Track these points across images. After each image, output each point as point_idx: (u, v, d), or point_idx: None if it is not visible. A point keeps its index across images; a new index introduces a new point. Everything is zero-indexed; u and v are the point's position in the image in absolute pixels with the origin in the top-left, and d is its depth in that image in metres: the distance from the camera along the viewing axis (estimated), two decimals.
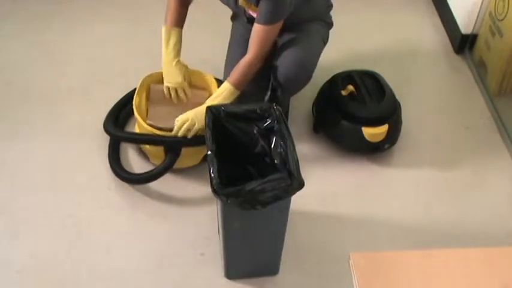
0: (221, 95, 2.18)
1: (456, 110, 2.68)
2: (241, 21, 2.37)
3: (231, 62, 2.33)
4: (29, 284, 2.02)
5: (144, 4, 3.09)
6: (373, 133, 2.30)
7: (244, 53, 2.20)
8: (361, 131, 2.29)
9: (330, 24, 2.40)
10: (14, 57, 2.81)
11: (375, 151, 2.38)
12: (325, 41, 2.38)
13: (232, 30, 2.47)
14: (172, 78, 2.30)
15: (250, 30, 2.17)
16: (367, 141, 2.31)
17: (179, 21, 2.30)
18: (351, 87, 2.34)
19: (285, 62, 2.21)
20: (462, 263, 1.42)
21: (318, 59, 2.31)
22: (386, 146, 2.36)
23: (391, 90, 2.40)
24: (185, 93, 2.33)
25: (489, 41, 2.70)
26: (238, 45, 2.37)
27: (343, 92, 2.34)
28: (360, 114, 2.30)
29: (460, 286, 1.38)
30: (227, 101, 2.17)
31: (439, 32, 3.03)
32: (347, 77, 2.40)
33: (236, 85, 2.17)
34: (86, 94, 2.64)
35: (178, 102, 2.37)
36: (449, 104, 2.72)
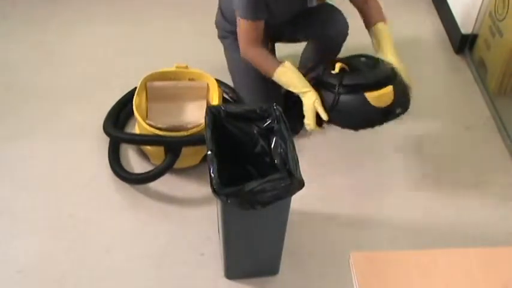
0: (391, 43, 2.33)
1: (456, 110, 2.68)
2: None
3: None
4: (29, 284, 2.02)
5: (144, 4, 3.09)
6: (378, 96, 2.13)
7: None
8: (365, 98, 2.13)
9: None
10: (14, 57, 2.81)
11: (388, 118, 2.20)
12: None
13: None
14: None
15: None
16: (375, 107, 2.14)
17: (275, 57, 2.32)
18: (340, 64, 2.20)
19: (334, 25, 2.39)
20: (462, 263, 1.42)
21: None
22: (398, 110, 2.19)
23: (383, 60, 2.27)
24: None
25: (489, 41, 2.70)
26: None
27: (333, 71, 2.19)
28: (358, 81, 2.15)
29: (460, 286, 1.38)
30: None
31: (439, 32, 3.03)
32: (331, 62, 2.25)
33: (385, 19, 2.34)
34: (86, 94, 2.64)
35: (177, 98, 2.37)
36: (449, 104, 2.72)
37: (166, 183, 2.29)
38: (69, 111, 2.56)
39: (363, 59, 2.26)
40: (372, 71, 2.19)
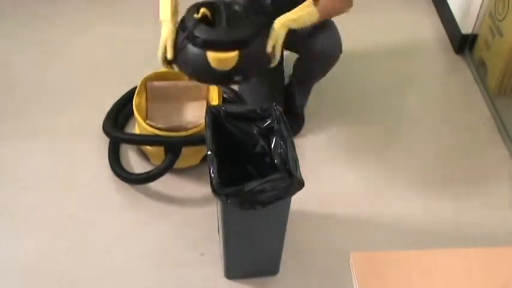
0: (303, 10, 2.08)
1: (456, 110, 2.68)
2: None
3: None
4: (29, 283, 2.02)
5: (145, 4, 3.09)
6: (218, 58, 2.01)
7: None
8: (205, 56, 2.02)
9: None
10: (14, 57, 2.81)
11: (225, 82, 2.15)
12: None
13: None
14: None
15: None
16: (213, 68, 2.03)
17: None
18: (204, 10, 2.07)
19: (317, 46, 2.21)
20: (462, 263, 1.42)
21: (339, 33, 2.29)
22: (237, 77, 2.07)
23: (255, 20, 2.12)
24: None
25: (489, 41, 2.70)
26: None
27: (196, 15, 2.06)
28: (204, 36, 2.02)
29: (460, 286, 1.38)
30: (303, 20, 2.08)
31: (439, 32, 3.03)
32: (208, 3, 2.12)
33: (320, 11, 2.09)
34: (86, 94, 2.64)
35: (177, 98, 2.37)
36: (449, 104, 2.72)
37: (166, 183, 2.29)
38: (69, 111, 2.56)
39: (236, 7, 2.12)
40: (229, 29, 2.05)
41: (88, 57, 2.82)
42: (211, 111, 1.92)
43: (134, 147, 2.42)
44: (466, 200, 2.31)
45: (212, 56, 2.01)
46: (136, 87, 2.38)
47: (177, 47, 2.07)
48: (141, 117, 2.27)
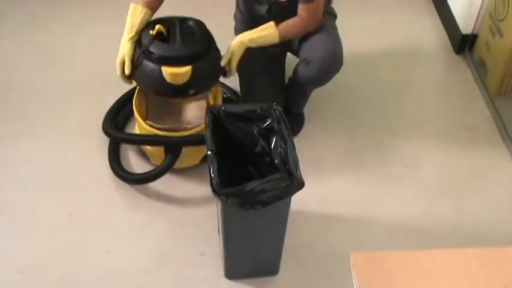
0: (263, 31, 2.18)
1: (456, 110, 2.68)
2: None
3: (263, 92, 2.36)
4: (29, 284, 2.02)
5: None
6: (172, 73, 2.12)
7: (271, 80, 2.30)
8: (160, 71, 2.12)
9: (335, 16, 2.41)
10: (14, 58, 2.81)
11: (180, 95, 2.22)
12: (335, 17, 2.41)
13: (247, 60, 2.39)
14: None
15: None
16: (168, 82, 2.13)
17: (155, 2, 2.25)
18: (159, 27, 2.18)
19: (318, 55, 2.22)
20: (462, 263, 1.42)
21: (341, 41, 2.31)
22: (191, 91, 2.18)
23: (208, 36, 2.24)
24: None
25: (489, 41, 2.70)
26: (263, 74, 2.39)
27: (151, 32, 2.17)
28: (159, 53, 2.13)
29: (460, 286, 1.38)
30: (263, 40, 2.18)
31: (439, 32, 3.03)
32: (164, 20, 2.24)
33: (280, 34, 2.18)
34: (86, 94, 2.64)
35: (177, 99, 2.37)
36: (449, 104, 2.72)
37: (166, 183, 2.29)
38: (69, 111, 2.56)
39: (191, 22, 2.24)
40: (178, 45, 2.16)
41: (88, 57, 2.82)
42: (211, 111, 1.92)
43: (134, 147, 2.42)
44: (466, 200, 2.31)
45: (166, 71, 2.12)
46: (136, 87, 2.38)
47: (135, 63, 2.19)
48: (141, 117, 2.27)
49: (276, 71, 2.46)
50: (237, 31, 2.41)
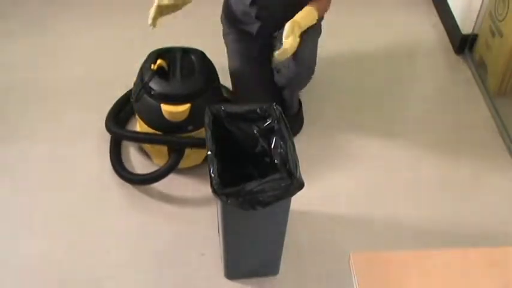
0: (307, 16, 2.17)
1: (456, 110, 2.68)
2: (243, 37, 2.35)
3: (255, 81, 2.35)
4: (28, 284, 2.02)
5: (145, 6, 3.08)
6: (171, 111, 2.15)
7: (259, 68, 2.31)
8: (159, 108, 2.16)
9: (319, 33, 2.39)
10: (14, 58, 2.81)
11: (178, 131, 2.23)
12: (319, 32, 2.38)
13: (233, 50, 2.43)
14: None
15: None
16: (167, 120, 2.18)
17: None
18: (160, 62, 2.21)
19: (285, 65, 2.22)
20: (462, 263, 1.42)
21: (316, 54, 2.32)
22: (189, 127, 2.21)
23: (207, 70, 2.28)
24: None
25: (489, 41, 2.70)
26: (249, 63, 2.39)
27: (153, 66, 2.21)
28: (159, 90, 2.16)
29: (460, 286, 1.38)
30: (309, 23, 2.18)
31: (439, 32, 3.03)
32: (166, 51, 2.28)
33: (319, 12, 2.20)
34: (86, 94, 2.64)
35: None
36: (449, 104, 2.72)
37: (166, 183, 2.28)
38: (69, 111, 2.57)
39: (192, 56, 2.27)
40: (178, 83, 2.19)
41: (88, 58, 2.82)
42: (211, 111, 1.92)
43: (135, 146, 2.42)
44: (466, 200, 2.31)
45: (165, 109, 2.15)
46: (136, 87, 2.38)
47: (135, 97, 2.23)
48: None
49: (266, 74, 2.44)
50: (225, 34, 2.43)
